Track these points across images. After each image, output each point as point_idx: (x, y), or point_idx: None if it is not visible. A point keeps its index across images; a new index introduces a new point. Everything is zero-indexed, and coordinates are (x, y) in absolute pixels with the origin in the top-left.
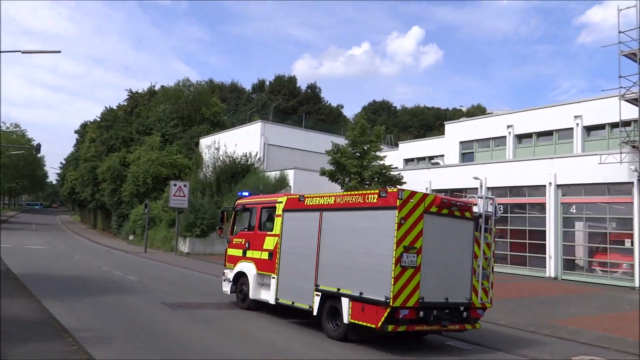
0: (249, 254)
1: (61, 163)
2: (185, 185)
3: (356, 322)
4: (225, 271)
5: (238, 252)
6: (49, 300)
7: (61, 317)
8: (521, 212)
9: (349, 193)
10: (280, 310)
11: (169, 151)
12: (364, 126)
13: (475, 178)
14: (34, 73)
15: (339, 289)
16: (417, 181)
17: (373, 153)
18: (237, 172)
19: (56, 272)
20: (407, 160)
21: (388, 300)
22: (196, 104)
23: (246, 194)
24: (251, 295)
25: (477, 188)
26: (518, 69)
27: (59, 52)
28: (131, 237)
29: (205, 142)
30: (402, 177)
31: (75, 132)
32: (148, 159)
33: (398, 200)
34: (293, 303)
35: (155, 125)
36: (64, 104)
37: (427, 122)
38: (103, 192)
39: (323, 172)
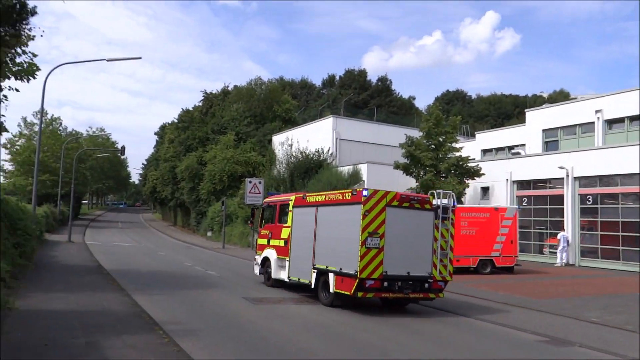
0: (272, 242)
1: (143, 164)
2: (260, 182)
3: (338, 291)
4: (255, 257)
5: (264, 241)
6: (138, 295)
7: (150, 310)
8: (613, 203)
9: (334, 192)
10: (359, 305)
11: (243, 149)
12: (438, 117)
13: (561, 168)
14: (116, 80)
15: (327, 267)
16: (496, 172)
17: (449, 145)
18: (310, 168)
19: (142, 267)
20: (484, 151)
21: (356, 273)
22: (268, 101)
23: (274, 192)
24: (273, 275)
25: (562, 178)
26: (604, 49)
27: (140, 58)
28: (209, 234)
29: (277, 139)
30: (480, 168)
31: (155, 133)
32: (223, 158)
33: (363, 197)
34: (299, 279)
35: (229, 125)
36: (143, 107)
37: (505, 111)
38: (182, 190)
39: (397, 166)
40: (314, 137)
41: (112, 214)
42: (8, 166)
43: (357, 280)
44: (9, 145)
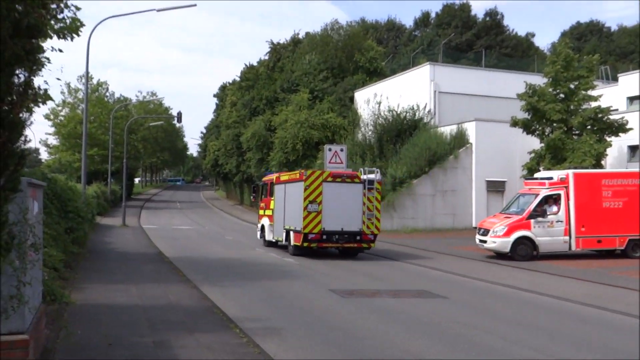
0: (265, 212)
1: (201, 132)
2: (341, 150)
3: (295, 244)
4: (258, 225)
5: (262, 212)
6: (207, 286)
7: (223, 304)
8: None
9: (294, 172)
10: (463, 300)
11: (320, 110)
12: (568, 57)
13: None
14: (167, 34)
15: (289, 227)
16: None
17: (583, 93)
18: (403, 130)
19: (208, 254)
20: (631, 99)
21: (302, 229)
22: (348, 50)
23: (270, 172)
24: (266, 238)
25: None
26: None
27: (195, 5)
28: None
29: (361, 95)
30: (627, 122)
31: (214, 96)
32: (296, 121)
33: (304, 177)
34: (277, 239)
35: (301, 81)
36: (199, 65)
37: None
38: (249, 162)
39: (515, 123)
40: (407, 91)
41: (168, 193)
42: (52, 140)
43: (302, 235)
44: (52, 116)
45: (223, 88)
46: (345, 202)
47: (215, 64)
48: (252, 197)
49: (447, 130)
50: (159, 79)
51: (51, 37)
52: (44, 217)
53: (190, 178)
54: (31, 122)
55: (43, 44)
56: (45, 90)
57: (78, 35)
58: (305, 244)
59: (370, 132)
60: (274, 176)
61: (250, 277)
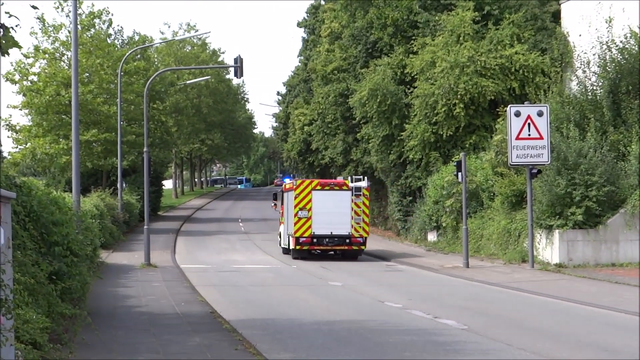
0: (281, 220)
1: (278, 95)
2: (540, 114)
3: (293, 247)
4: (279, 232)
5: (281, 219)
6: None
7: None
8: None
9: (292, 181)
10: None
11: (497, 41)
12: None
13: None
14: None
15: (288, 233)
16: None
17: None
18: None
19: (301, 315)
20: None
21: (293, 234)
22: None
23: (288, 179)
24: (282, 245)
25: None
26: None
27: None
28: (432, 237)
29: (574, 10)
30: None
31: (299, 25)
32: (453, 64)
33: (294, 186)
34: (286, 245)
35: None
36: None
37: None
38: (366, 144)
39: None
40: None
41: (223, 204)
42: (20, 117)
43: (294, 239)
44: (17, 76)
45: (314, 10)
46: (334, 208)
47: None
48: (273, 205)
49: None
50: (200, 3)
51: None
52: (16, 255)
53: (260, 177)
54: None
55: None
56: (5, 29)
57: None
58: (297, 247)
59: (594, 78)
60: (285, 185)
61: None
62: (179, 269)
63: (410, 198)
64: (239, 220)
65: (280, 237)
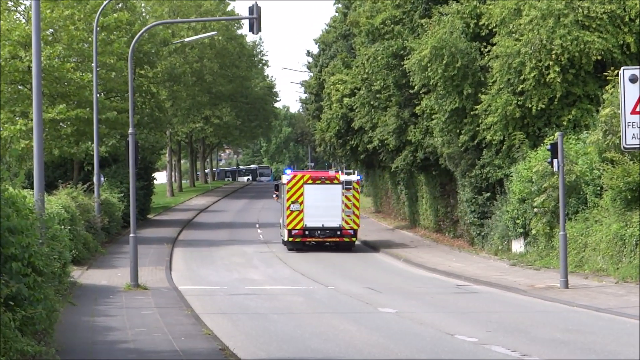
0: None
1: (308, 55)
2: None
3: (287, 239)
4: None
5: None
6: None
7: None
8: None
9: (287, 175)
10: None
11: None
12: None
13: None
14: None
15: (282, 224)
16: None
17: None
18: None
19: (346, 353)
20: None
21: (286, 226)
22: None
23: (289, 170)
24: (282, 237)
25: None
26: None
27: None
28: (519, 247)
29: None
30: None
31: None
32: (546, 10)
33: (287, 180)
34: (284, 237)
35: None
36: None
37: None
38: (428, 122)
39: None
40: None
41: (235, 203)
42: None
43: (287, 231)
44: None
45: None
46: (325, 201)
47: None
48: (274, 196)
49: None
50: None
51: None
52: None
53: (284, 166)
54: None
55: None
56: None
57: None
58: (290, 239)
59: None
60: (283, 178)
61: None
62: (176, 291)
63: (488, 194)
64: (257, 226)
65: (281, 229)
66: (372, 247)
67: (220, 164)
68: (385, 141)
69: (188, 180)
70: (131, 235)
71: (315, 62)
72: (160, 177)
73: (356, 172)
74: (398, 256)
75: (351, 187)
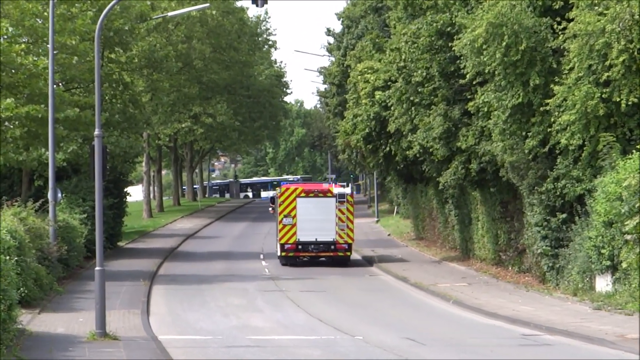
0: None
1: (329, 35)
2: None
3: (280, 254)
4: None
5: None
6: None
7: None
8: None
9: (281, 190)
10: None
11: None
12: None
13: None
14: None
15: (276, 239)
16: None
17: None
18: None
19: None
20: None
21: (278, 241)
22: None
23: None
24: (276, 252)
25: None
26: None
27: None
28: (605, 284)
29: None
30: None
31: None
32: None
33: (279, 193)
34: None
35: None
36: None
37: None
38: (485, 120)
39: None
40: None
41: (232, 227)
42: None
43: (280, 245)
44: None
45: None
46: (318, 215)
47: None
48: (270, 210)
49: None
50: None
51: None
52: None
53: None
54: None
55: None
56: None
57: None
58: (283, 254)
59: None
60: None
61: None
62: (156, 342)
63: (564, 216)
64: (261, 257)
65: (275, 244)
66: (411, 284)
67: (213, 175)
68: (429, 148)
69: (171, 196)
70: (97, 268)
71: (337, 44)
72: (136, 193)
73: (349, 184)
74: (446, 296)
75: (345, 200)
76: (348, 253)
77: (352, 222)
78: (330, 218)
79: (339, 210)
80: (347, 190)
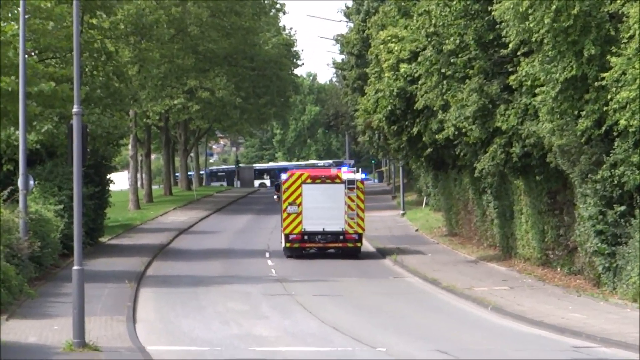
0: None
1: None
2: None
3: (285, 245)
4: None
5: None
6: None
7: None
8: None
9: (286, 176)
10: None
11: None
12: None
13: None
14: None
15: (281, 229)
16: None
17: None
18: None
19: None
20: None
21: (283, 231)
22: None
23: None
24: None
25: None
26: None
27: None
28: None
29: None
30: None
31: None
32: None
33: (283, 180)
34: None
35: None
36: None
37: None
38: (538, 90)
39: None
40: None
41: (233, 221)
42: None
43: (284, 235)
44: None
45: None
46: (326, 202)
47: None
48: (275, 198)
49: None
50: None
51: None
52: None
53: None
54: None
55: None
56: None
57: None
58: (288, 245)
59: None
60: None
61: None
62: (143, 353)
63: (623, 208)
64: (267, 255)
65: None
66: (442, 287)
67: (211, 160)
68: (463, 129)
69: (162, 185)
70: (75, 268)
71: (357, 7)
72: (121, 181)
73: (360, 170)
74: (484, 302)
75: (354, 186)
76: (358, 244)
77: (362, 211)
78: (339, 206)
79: (349, 197)
80: (358, 176)
